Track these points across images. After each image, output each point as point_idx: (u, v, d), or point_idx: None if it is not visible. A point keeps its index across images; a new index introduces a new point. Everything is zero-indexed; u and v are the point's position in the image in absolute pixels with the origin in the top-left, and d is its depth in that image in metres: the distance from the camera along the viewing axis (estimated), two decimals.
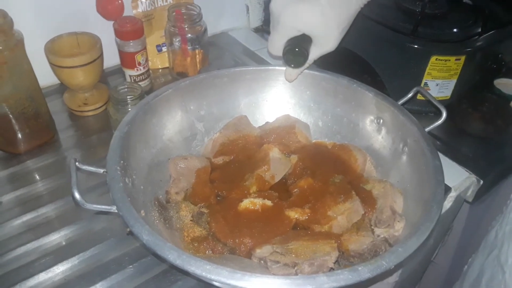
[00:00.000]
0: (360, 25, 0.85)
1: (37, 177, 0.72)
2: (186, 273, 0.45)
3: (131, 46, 0.82)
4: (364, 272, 0.43)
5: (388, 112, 0.66)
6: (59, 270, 0.59)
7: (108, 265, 0.59)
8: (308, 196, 0.62)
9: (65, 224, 0.64)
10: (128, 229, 0.48)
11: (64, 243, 0.62)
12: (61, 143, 0.78)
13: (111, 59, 0.90)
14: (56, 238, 0.63)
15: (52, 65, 0.77)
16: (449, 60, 0.78)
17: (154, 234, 0.46)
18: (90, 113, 0.83)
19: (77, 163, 0.53)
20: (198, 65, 0.90)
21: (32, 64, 0.71)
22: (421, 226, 0.48)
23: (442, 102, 0.67)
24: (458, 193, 0.72)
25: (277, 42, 0.64)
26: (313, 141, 0.74)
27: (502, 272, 0.65)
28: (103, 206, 0.50)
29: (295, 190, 0.64)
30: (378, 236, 0.56)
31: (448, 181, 0.67)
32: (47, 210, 0.66)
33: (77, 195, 0.48)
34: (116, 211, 0.49)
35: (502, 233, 0.67)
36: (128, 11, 0.86)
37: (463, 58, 0.78)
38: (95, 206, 0.50)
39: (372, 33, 0.83)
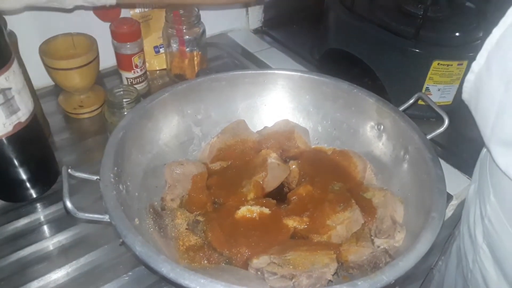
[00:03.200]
0: (361, 28, 0.85)
1: None
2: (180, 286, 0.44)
3: (128, 48, 0.81)
4: (363, 287, 0.42)
5: (389, 119, 0.64)
6: (52, 278, 0.57)
7: (102, 274, 0.58)
8: (307, 204, 0.61)
9: (58, 230, 0.63)
10: (121, 240, 0.46)
11: (57, 250, 0.61)
12: (56, 146, 0.77)
13: (107, 60, 0.88)
14: (49, 244, 0.61)
15: (47, 67, 0.76)
16: (451, 65, 0.76)
17: (147, 246, 0.45)
18: (85, 116, 0.82)
19: (69, 170, 0.52)
20: (196, 67, 0.89)
21: (26, 65, 0.69)
22: (423, 238, 0.47)
23: (443, 107, 0.66)
24: (460, 201, 0.71)
25: None
26: (313, 146, 0.72)
27: (467, 286, 0.64)
28: (96, 215, 0.49)
29: (294, 197, 0.62)
30: (378, 247, 0.54)
31: (449, 189, 0.65)
32: (40, 216, 0.65)
33: (68, 204, 0.47)
34: (109, 220, 0.48)
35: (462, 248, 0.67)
36: (125, 13, 0.84)
37: (465, 63, 0.76)
38: (87, 215, 0.48)
39: (373, 37, 0.82)
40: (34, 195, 0.66)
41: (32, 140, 0.62)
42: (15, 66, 0.55)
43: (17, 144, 0.60)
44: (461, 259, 0.67)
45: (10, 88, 0.55)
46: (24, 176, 0.64)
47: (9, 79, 0.54)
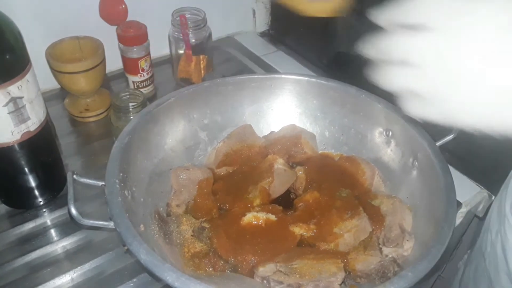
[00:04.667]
0: (370, 32, 0.84)
1: None
2: None
3: (134, 52, 0.80)
4: None
5: (398, 125, 0.64)
6: (56, 284, 0.57)
7: (107, 280, 0.58)
8: (314, 211, 0.60)
9: (63, 235, 0.63)
10: (125, 247, 0.46)
11: (62, 255, 0.61)
12: (62, 150, 0.76)
13: (114, 63, 0.88)
14: (54, 250, 0.61)
15: (53, 70, 0.76)
16: None
17: (152, 254, 0.44)
18: (91, 119, 0.82)
19: (75, 176, 0.51)
20: (202, 71, 0.88)
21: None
22: (432, 249, 0.46)
23: None
24: (469, 208, 0.70)
25: None
26: (320, 152, 0.71)
27: (483, 259, 0.64)
28: (101, 222, 0.48)
29: (300, 204, 0.62)
30: (386, 256, 0.53)
31: (458, 196, 0.64)
32: (45, 220, 0.65)
33: (73, 211, 0.47)
34: (114, 227, 0.47)
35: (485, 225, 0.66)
36: (132, 16, 0.84)
37: None
38: (92, 222, 0.48)
39: None
40: (41, 203, 0.66)
41: (41, 149, 0.62)
42: (29, 76, 0.55)
43: (24, 153, 0.60)
44: (478, 237, 0.66)
45: (21, 97, 0.54)
46: (31, 184, 0.64)
47: (22, 88, 0.54)
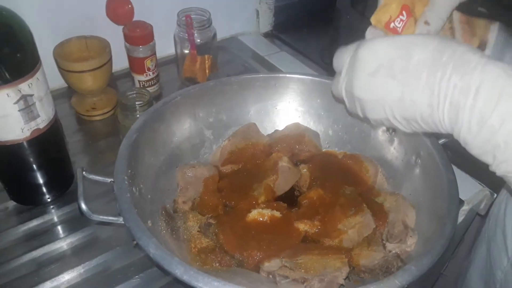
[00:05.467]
0: None
1: None
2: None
3: (141, 52, 0.81)
4: None
5: None
6: (65, 279, 0.58)
7: (114, 275, 0.59)
8: (318, 208, 0.61)
9: (70, 231, 0.64)
10: (135, 242, 0.47)
11: (69, 251, 0.62)
12: (69, 148, 0.77)
13: (120, 62, 0.89)
14: (61, 246, 0.62)
15: (61, 69, 0.77)
16: None
17: (161, 248, 0.45)
18: (98, 118, 0.83)
19: (84, 172, 0.52)
20: (207, 71, 0.89)
21: None
22: (435, 244, 0.47)
23: None
24: (471, 206, 0.70)
25: None
26: (323, 150, 0.72)
27: (489, 221, 0.66)
28: (110, 217, 0.49)
29: (305, 201, 0.62)
30: (390, 251, 0.54)
31: (460, 194, 0.65)
32: (53, 217, 0.66)
33: (83, 206, 0.48)
34: (123, 222, 0.48)
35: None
36: (138, 16, 0.85)
37: None
38: (102, 217, 0.49)
39: None
40: (49, 199, 0.67)
41: (49, 146, 0.63)
42: (39, 74, 0.56)
43: (33, 150, 0.61)
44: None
45: (32, 95, 0.55)
46: (40, 181, 0.65)
47: (32, 86, 0.55)
